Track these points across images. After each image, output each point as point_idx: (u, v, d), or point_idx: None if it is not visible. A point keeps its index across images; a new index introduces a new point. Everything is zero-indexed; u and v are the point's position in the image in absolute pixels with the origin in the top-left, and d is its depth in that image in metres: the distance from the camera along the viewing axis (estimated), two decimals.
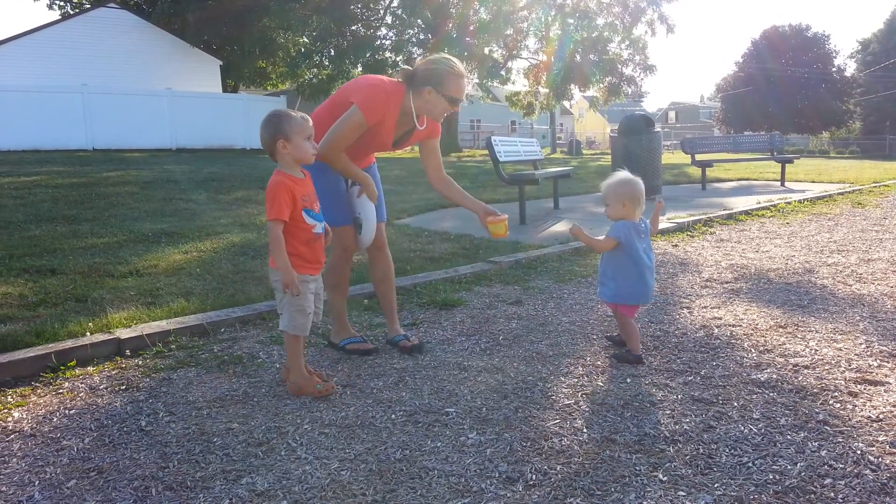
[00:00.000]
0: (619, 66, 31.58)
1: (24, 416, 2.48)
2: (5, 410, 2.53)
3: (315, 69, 30.34)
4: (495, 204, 2.96)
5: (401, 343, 3.20)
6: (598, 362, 2.98)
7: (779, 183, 12.76)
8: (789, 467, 2.01)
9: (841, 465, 2.02)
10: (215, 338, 3.36)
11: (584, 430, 2.29)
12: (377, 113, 2.86)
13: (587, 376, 2.82)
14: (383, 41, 30.27)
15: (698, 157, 12.61)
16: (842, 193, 10.76)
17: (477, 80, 30.05)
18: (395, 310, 3.32)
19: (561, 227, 7.20)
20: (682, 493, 1.87)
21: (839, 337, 3.28)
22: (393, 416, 2.44)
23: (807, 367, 2.86)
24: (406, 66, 2.92)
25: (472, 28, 28.38)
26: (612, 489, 1.90)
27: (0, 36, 26.30)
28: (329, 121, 2.90)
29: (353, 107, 2.83)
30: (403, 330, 3.32)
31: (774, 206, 8.82)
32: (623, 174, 3.00)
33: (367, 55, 28.11)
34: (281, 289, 2.56)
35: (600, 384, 2.72)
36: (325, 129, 2.86)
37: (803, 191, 11.20)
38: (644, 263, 2.95)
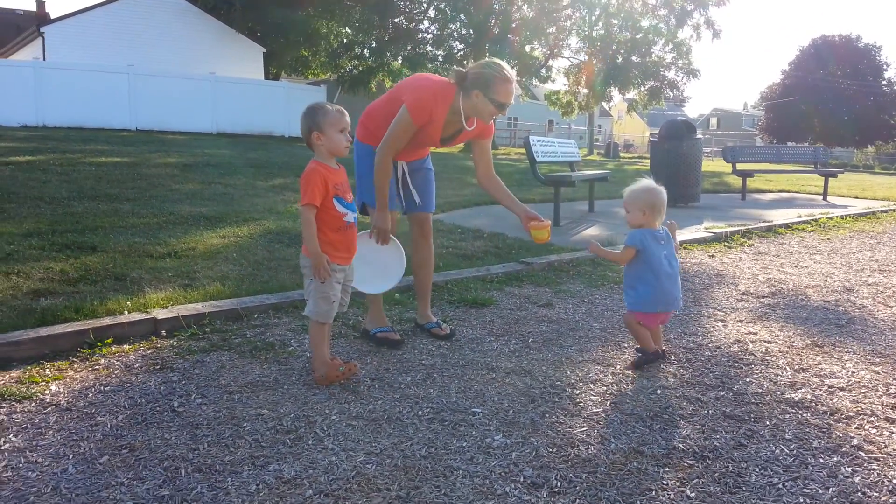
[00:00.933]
0: (662, 70, 31.18)
1: (61, 390, 2.55)
2: (43, 383, 2.60)
3: (355, 60, 30.51)
4: (529, 204, 2.93)
5: (433, 330, 3.34)
6: (628, 371, 2.95)
7: (821, 197, 12.47)
8: (821, 492, 1.97)
9: (875, 494, 1.97)
10: (248, 323, 3.41)
11: (612, 440, 2.27)
12: (424, 114, 2.95)
13: (616, 385, 2.79)
14: (425, 34, 30.30)
15: (739, 166, 12.36)
16: (885, 211, 10.45)
17: (518, 78, 29.95)
18: (429, 297, 3.47)
19: (595, 230, 7.14)
20: None
21: (877, 360, 3.20)
22: (420, 412, 2.45)
23: (842, 389, 2.80)
24: (459, 68, 3.02)
25: (514, 25, 28.26)
26: (639, 502, 1.89)
27: (52, 14, 26.94)
28: (384, 111, 3.05)
29: (402, 108, 2.95)
30: (436, 318, 3.44)
31: (815, 220, 8.62)
32: (646, 182, 2.97)
33: (408, 48, 28.17)
34: (310, 274, 2.64)
35: (629, 393, 2.70)
36: (380, 121, 3.04)
37: (846, 206, 10.92)
38: (663, 270, 2.91)
